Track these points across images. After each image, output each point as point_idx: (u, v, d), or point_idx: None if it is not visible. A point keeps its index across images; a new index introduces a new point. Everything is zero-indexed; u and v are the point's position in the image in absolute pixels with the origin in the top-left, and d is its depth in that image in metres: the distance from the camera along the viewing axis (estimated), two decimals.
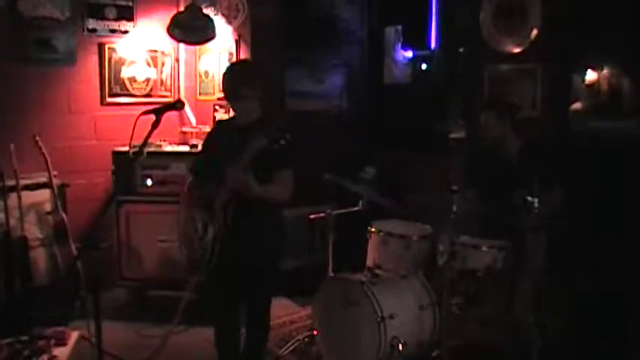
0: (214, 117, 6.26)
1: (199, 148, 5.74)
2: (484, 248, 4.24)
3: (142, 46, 6.25)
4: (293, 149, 3.84)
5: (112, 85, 6.10)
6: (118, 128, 5.93)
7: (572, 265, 4.63)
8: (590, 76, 4.99)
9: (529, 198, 3.87)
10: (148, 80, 6.30)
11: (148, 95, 6.29)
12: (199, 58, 6.44)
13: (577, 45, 4.92)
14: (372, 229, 4.81)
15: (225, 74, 3.99)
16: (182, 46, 6.41)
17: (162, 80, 6.41)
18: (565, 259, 4.54)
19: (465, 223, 4.12)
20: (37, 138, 5.22)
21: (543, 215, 4.04)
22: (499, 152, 4.58)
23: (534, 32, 5.12)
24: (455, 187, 3.93)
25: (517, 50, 5.26)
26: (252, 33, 5.89)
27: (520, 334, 4.15)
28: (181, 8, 6.15)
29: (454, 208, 3.90)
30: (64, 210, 5.44)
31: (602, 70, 4.93)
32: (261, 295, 4.14)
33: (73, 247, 5.33)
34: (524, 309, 4.18)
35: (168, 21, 5.83)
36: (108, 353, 4.12)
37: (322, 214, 4.93)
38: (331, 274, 4.76)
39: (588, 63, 4.96)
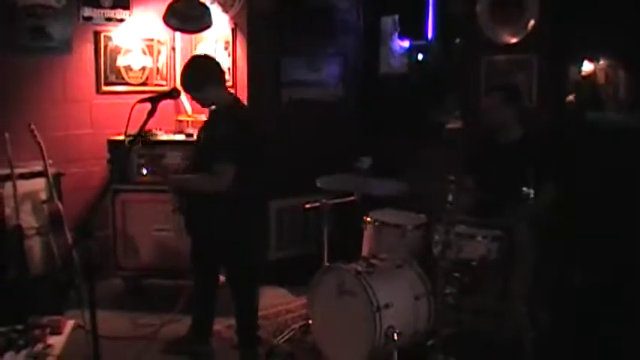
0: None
1: (195, 137, 5.78)
2: (479, 238, 4.24)
3: (137, 35, 6.23)
4: (236, 142, 3.99)
5: (108, 73, 6.08)
6: (114, 117, 5.91)
7: (566, 256, 4.65)
8: (587, 67, 4.98)
9: (525, 189, 3.88)
10: (143, 69, 6.28)
11: (143, 84, 6.27)
12: (195, 46, 6.42)
13: (574, 36, 4.92)
14: (368, 219, 4.82)
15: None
16: (178, 34, 6.38)
17: (158, 69, 6.39)
18: (559, 250, 4.55)
19: (461, 213, 4.12)
20: (33, 127, 5.21)
21: (538, 207, 4.06)
22: (499, 139, 4.57)
23: (531, 23, 5.11)
24: (451, 177, 3.93)
25: (513, 41, 5.25)
26: (248, 22, 5.87)
27: (513, 324, 4.17)
28: None
29: (450, 198, 3.91)
30: (60, 199, 5.43)
31: (598, 61, 4.93)
32: (234, 280, 4.37)
33: (69, 236, 5.33)
34: (518, 299, 4.20)
35: (164, 9, 5.80)
36: (105, 337, 4.13)
37: (317, 204, 4.93)
38: (326, 263, 4.77)
39: (585, 54, 4.96)
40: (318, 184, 4.70)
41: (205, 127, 4.36)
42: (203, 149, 4.21)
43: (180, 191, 4.31)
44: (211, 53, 6.18)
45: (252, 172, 4.15)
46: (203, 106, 4.37)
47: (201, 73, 4.21)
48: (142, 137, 3.70)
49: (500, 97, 4.57)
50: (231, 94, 4.45)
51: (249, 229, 4.21)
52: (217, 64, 4.37)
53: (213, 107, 4.32)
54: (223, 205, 4.06)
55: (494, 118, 4.57)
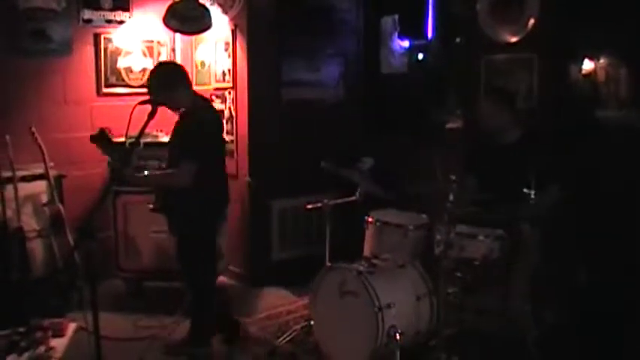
0: None
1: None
2: (480, 237, 4.24)
3: (138, 37, 6.23)
4: (198, 140, 4.15)
5: (108, 75, 6.08)
6: (115, 119, 5.89)
7: (569, 255, 4.64)
8: (587, 65, 4.98)
9: (526, 190, 3.87)
10: (144, 70, 6.28)
11: (144, 86, 6.23)
12: (195, 48, 6.42)
13: (574, 34, 4.91)
14: (369, 219, 4.82)
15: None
16: (178, 36, 6.39)
17: None
18: (562, 249, 4.55)
19: (462, 212, 4.12)
20: (33, 129, 5.21)
21: (540, 207, 4.05)
22: (498, 141, 4.57)
23: (531, 22, 5.11)
24: (452, 177, 3.92)
25: (514, 40, 5.25)
26: (248, 23, 5.87)
27: (516, 324, 4.16)
28: None
29: (451, 198, 3.90)
30: (61, 201, 5.44)
31: (599, 59, 4.92)
32: (182, 259, 4.49)
33: (70, 238, 5.33)
34: (521, 299, 4.19)
35: (164, 11, 5.80)
36: (107, 338, 4.13)
37: (319, 204, 4.92)
38: (328, 263, 4.77)
39: (585, 52, 4.96)
40: (324, 164, 4.74)
41: (174, 128, 4.43)
42: (171, 148, 4.39)
43: (157, 190, 4.48)
44: (211, 54, 6.19)
45: (215, 169, 4.33)
46: (172, 110, 4.39)
47: (166, 78, 4.26)
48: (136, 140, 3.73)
49: (494, 102, 4.58)
50: (198, 96, 4.47)
51: (194, 219, 4.30)
52: (181, 68, 4.48)
53: (183, 110, 4.37)
54: (189, 200, 4.19)
55: (490, 123, 4.57)
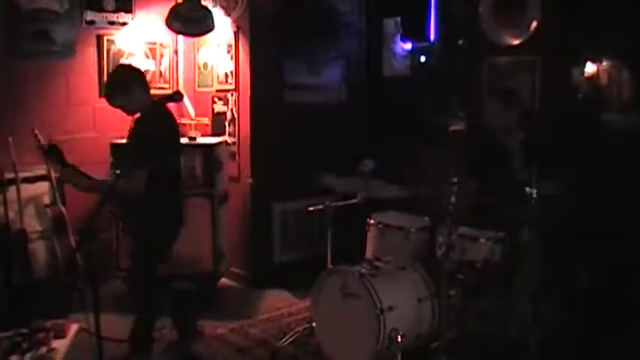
0: (213, 108, 6.26)
1: (197, 140, 5.79)
2: (482, 240, 4.24)
3: (140, 38, 6.24)
4: (149, 146, 4.05)
5: None
6: (117, 120, 5.88)
7: (570, 257, 4.64)
8: (590, 68, 4.98)
9: (527, 189, 3.87)
10: (146, 72, 6.25)
11: None
12: (198, 49, 6.43)
13: (576, 37, 4.91)
14: (371, 221, 4.82)
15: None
16: (181, 37, 6.40)
17: (160, 72, 6.40)
18: (563, 251, 4.54)
19: (464, 214, 4.12)
20: (36, 131, 5.22)
21: (541, 208, 4.05)
22: (501, 141, 4.57)
23: (533, 24, 5.11)
24: (454, 179, 3.92)
25: (516, 42, 5.25)
26: (250, 25, 5.88)
27: (518, 325, 4.16)
28: (180, 0, 6.13)
29: (453, 200, 3.90)
30: (63, 202, 5.44)
31: (601, 62, 4.92)
32: (136, 260, 4.43)
33: (72, 239, 5.34)
34: (523, 301, 4.19)
35: (166, 13, 5.81)
36: (108, 339, 4.14)
37: (321, 206, 4.92)
38: (330, 266, 4.76)
39: (588, 55, 4.96)
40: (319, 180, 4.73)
41: (129, 133, 4.33)
42: (122, 152, 4.43)
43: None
44: (214, 56, 6.20)
45: (170, 176, 4.24)
46: (129, 114, 4.32)
47: (121, 81, 4.22)
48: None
49: (501, 102, 4.58)
50: (155, 101, 4.35)
51: (150, 225, 4.23)
52: (138, 71, 4.41)
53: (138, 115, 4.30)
54: (145, 207, 4.12)
55: (495, 122, 4.57)
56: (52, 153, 4.27)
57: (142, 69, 6.11)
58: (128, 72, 4.35)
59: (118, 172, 4.08)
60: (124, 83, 4.20)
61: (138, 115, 4.26)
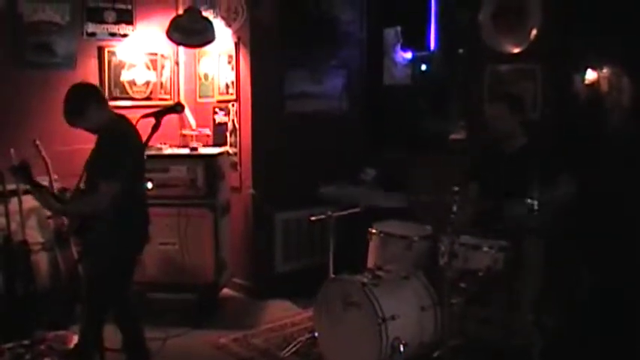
0: (214, 119, 6.27)
1: (199, 150, 5.79)
2: (484, 248, 4.23)
3: (141, 50, 6.25)
4: (113, 161, 3.90)
5: (112, 88, 6.09)
6: None
7: (573, 265, 4.63)
8: (590, 75, 4.98)
9: (529, 200, 3.87)
10: (147, 83, 6.30)
11: (147, 98, 6.28)
12: (199, 60, 6.45)
13: (577, 44, 4.92)
14: (373, 230, 4.82)
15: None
16: (182, 48, 6.42)
17: (161, 83, 6.41)
18: (565, 259, 4.54)
19: (465, 223, 4.11)
20: (38, 142, 5.23)
21: (543, 217, 4.04)
22: (504, 148, 4.56)
23: (534, 32, 5.12)
24: (455, 188, 3.92)
25: (516, 50, 5.26)
26: (251, 35, 5.89)
27: (521, 334, 4.15)
28: (180, 11, 6.15)
29: (454, 209, 3.90)
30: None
31: (602, 69, 4.93)
32: (88, 288, 4.21)
33: (74, 250, 5.33)
34: (525, 309, 4.18)
35: (167, 24, 5.83)
36: (110, 350, 4.13)
37: (323, 216, 4.93)
38: (332, 275, 4.76)
39: (588, 62, 4.97)
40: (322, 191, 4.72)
41: (92, 150, 4.16)
42: (88, 170, 4.11)
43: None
44: (215, 67, 6.21)
45: (133, 189, 4.06)
46: (91, 132, 4.14)
47: (75, 100, 4.07)
48: None
49: (506, 106, 4.56)
50: (114, 114, 4.22)
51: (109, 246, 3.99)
52: (91, 87, 4.30)
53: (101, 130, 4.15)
54: (108, 224, 3.92)
55: (499, 127, 4.55)
56: (19, 173, 4.08)
57: (144, 80, 6.25)
58: (79, 92, 4.17)
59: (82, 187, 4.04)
60: (76, 105, 4.07)
61: (100, 131, 4.12)
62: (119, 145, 3.97)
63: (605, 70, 4.92)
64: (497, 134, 4.59)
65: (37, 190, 4.05)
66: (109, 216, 3.84)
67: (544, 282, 4.25)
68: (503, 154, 4.54)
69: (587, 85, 5.00)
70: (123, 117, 4.19)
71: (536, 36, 5.12)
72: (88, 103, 4.07)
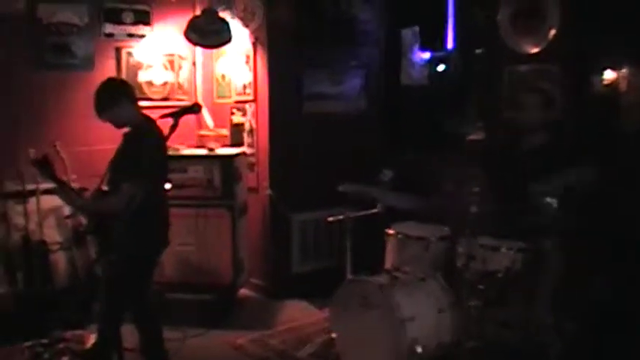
0: (231, 120, 6.28)
1: (216, 151, 5.80)
2: (503, 250, 4.20)
3: (159, 50, 6.27)
4: (140, 162, 3.88)
5: None
6: None
7: (591, 267, 4.59)
8: (609, 75, 4.94)
9: (548, 199, 3.84)
10: (165, 84, 6.32)
11: (165, 99, 6.30)
12: (216, 61, 6.46)
13: (596, 44, 4.88)
14: (391, 232, 4.80)
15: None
16: (199, 49, 6.43)
17: (179, 84, 6.43)
18: (584, 261, 4.50)
19: (483, 223, 4.09)
20: (56, 142, 5.26)
21: (562, 217, 4.01)
22: (523, 144, 4.51)
23: (552, 32, 5.09)
24: (474, 189, 3.90)
25: (535, 50, 5.23)
26: (268, 36, 5.90)
27: (539, 337, 4.12)
28: (198, 12, 6.16)
29: (473, 210, 3.88)
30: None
31: (620, 69, 4.89)
32: (106, 288, 4.16)
33: (92, 250, 5.36)
34: (544, 311, 4.15)
35: (184, 25, 5.84)
36: (129, 350, 4.15)
37: (340, 217, 4.92)
38: (350, 276, 4.75)
39: (607, 62, 4.93)
40: (341, 188, 4.70)
41: (118, 149, 4.17)
42: (112, 169, 4.10)
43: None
44: (232, 67, 6.22)
45: (154, 191, 4.05)
46: (117, 127, 4.16)
47: (109, 93, 4.12)
48: None
49: (539, 98, 4.52)
50: (142, 114, 4.21)
51: (132, 245, 3.98)
52: (125, 84, 4.32)
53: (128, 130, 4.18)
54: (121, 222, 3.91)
55: (527, 118, 4.50)
56: (40, 167, 4.07)
57: (162, 81, 6.27)
58: (116, 85, 4.27)
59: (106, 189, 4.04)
60: (111, 96, 4.13)
61: (127, 129, 4.15)
62: (144, 146, 3.97)
63: (623, 70, 4.88)
64: (521, 126, 4.54)
65: (58, 184, 4.08)
66: (126, 216, 3.84)
67: (563, 283, 4.22)
68: (523, 152, 4.50)
69: (606, 84, 4.96)
70: (150, 118, 4.19)
71: (555, 36, 5.08)
72: (119, 97, 4.10)
